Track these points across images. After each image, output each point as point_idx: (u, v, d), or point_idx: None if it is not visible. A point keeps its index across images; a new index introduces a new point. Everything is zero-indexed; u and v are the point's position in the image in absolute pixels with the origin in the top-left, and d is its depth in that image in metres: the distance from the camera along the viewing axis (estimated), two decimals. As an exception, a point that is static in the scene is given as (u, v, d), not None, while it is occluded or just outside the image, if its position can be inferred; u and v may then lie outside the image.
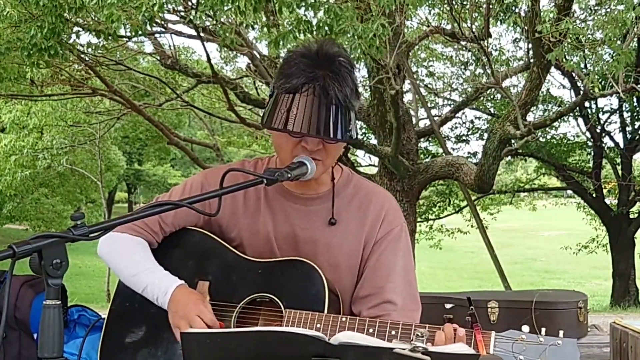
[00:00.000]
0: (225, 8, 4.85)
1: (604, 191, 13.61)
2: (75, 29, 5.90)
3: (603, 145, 13.38)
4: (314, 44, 1.66)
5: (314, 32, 4.82)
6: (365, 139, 10.32)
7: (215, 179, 1.80)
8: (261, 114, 1.79)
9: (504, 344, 1.47)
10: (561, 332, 1.46)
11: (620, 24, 5.36)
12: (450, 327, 1.54)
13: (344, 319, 1.62)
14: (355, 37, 4.57)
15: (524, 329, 1.47)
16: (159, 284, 1.75)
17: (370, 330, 1.58)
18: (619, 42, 6.40)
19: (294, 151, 1.64)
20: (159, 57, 8.85)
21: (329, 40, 1.70)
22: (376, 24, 4.60)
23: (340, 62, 1.61)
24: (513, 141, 7.62)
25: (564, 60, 5.98)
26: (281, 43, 4.80)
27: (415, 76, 11.11)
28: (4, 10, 4.99)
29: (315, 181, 1.75)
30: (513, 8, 6.99)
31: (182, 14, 6.69)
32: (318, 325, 1.61)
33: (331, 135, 1.59)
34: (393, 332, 1.57)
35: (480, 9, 7.49)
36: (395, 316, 1.69)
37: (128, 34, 5.71)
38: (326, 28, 4.63)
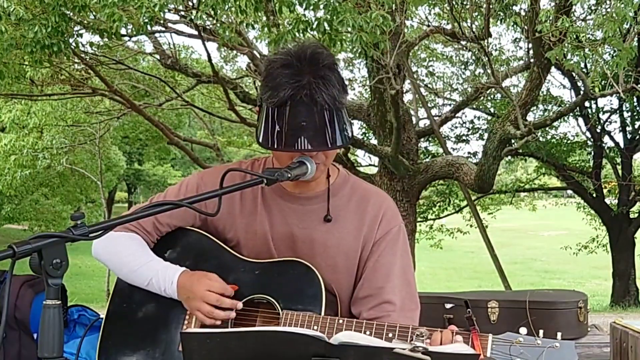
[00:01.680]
0: (226, 7, 4.85)
1: (604, 191, 13.60)
2: (77, 28, 5.91)
3: (603, 145, 13.38)
4: (294, 48, 1.63)
5: (314, 31, 4.81)
6: (365, 139, 10.32)
7: (211, 179, 1.80)
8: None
9: (501, 347, 1.47)
10: (559, 334, 1.45)
11: (620, 19, 5.34)
12: (449, 332, 1.54)
13: (341, 321, 1.61)
14: (356, 28, 4.55)
15: (522, 331, 1.46)
16: (163, 275, 1.76)
17: (367, 332, 1.58)
18: (618, 40, 6.39)
19: (293, 157, 1.63)
20: (159, 57, 8.85)
21: (307, 42, 1.67)
22: (375, 14, 4.59)
23: (324, 64, 1.59)
24: (513, 141, 7.62)
25: (563, 59, 5.97)
26: (281, 43, 4.80)
27: (415, 76, 11.12)
28: (10, 7, 4.99)
29: (315, 180, 1.74)
30: (513, 7, 6.99)
31: (183, 13, 6.69)
32: (315, 327, 1.61)
33: (330, 145, 1.58)
34: (390, 335, 1.57)
35: (481, 8, 7.49)
36: (395, 316, 1.70)
37: (129, 33, 5.71)
38: (325, 24, 4.62)
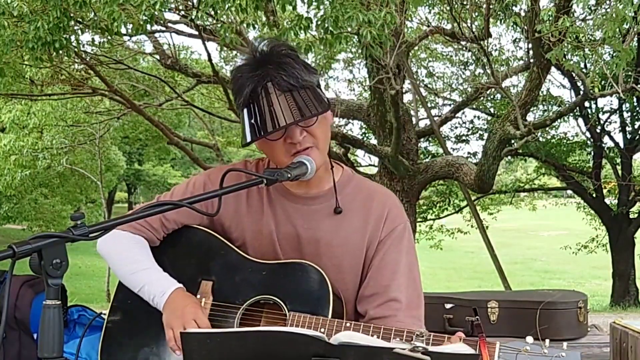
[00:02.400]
0: (227, 6, 4.84)
1: (604, 191, 13.61)
2: (78, 27, 5.91)
3: (603, 145, 13.38)
4: (249, 51, 1.66)
5: (316, 29, 4.80)
6: (365, 139, 10.32)
7: (218, 178, 1.80)
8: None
9: (508, 355, 1.46)
10: (565, 344, 1.46)
11: (620, 20, 5.34)
12: (457, 339, 1.53)
13: (348, 324, 1.61)
14: (365, 23, 4.54)
15: (528, 339, 1.47)
16: (157, 284, 1.75)
17: (375, 336, 1.58)
18: (618, 41, 6.39)
19: (286, 153, 1.64)
20: (159, 57, 8.86)
21: (261, 40, 1.69)
22: (383, 12, 4.59)
23: (279, 52, 1.62)
24: (513, 141, 7.62)
25: (563, 59, 5.98)
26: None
27: (415, 76, 11.12)
28: (13, 2, 4.98)
29: (318, 178, 1.74)
30: (512, 8, 6.98)
31: (183, 13, 6.69)
32: (322, 330, 1.61)
33: (306, 115, 1.58)
34: (397, 339, 1.57)
35: (481, 8, 7.49)
36: (401, 315, 1.69)
37: (129, 32, 5.71)
38: (330, 22, 4.59)
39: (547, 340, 1.46)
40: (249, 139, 1.62)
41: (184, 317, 1.67)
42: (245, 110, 1.61)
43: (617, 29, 5.67)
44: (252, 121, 1.59)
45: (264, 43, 1.65)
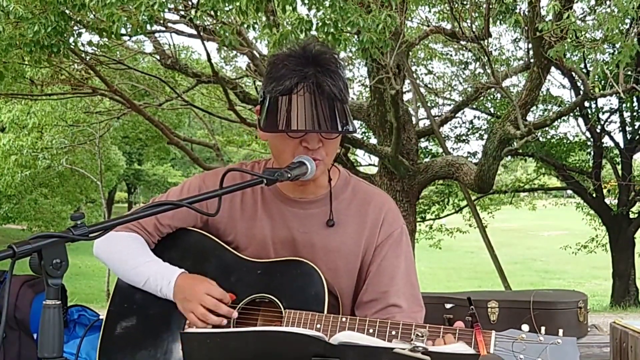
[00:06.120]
0: (227, 8, 4.84)
1: (604, 191, 13.60)
2: (77, 28, 5.90)
3: (603, 145, 13.38)
4: (298, 45, 1.64)
5: (317, 31, 4.80)
6: (365, 139, 10.32)
7: (212, 181, 1.80)
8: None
9: (504, 344, 1.47)
10: (560, 331, 1.46)
11: (622, 14, 5.31)
12: (451, 336, 1.53)
13: (344, 319, 1.61)
14: (365, 28, 4.53)
15: (524, 327, 1.47)
16: (162, 275, 1.75)
17: (371, 331, 1.58)
18: (620, 37, 6.37)
19: (295, 153, 1.63)
20: (158, 57, 8.85)
21: (313, 40, 1.69)
22: (384, 14, 4.58)
23: (328, 58, 1.61)
24: (513, 141, 7.62)
25: (564, 57, 5.96)
26: (284, 43, 4.79)
27: (415, 76, 11.11)
28: (9, 5, 4.98)
29: (314, 183, 1.73)
30: (512, 8, 6.98)
31: (182, 13, 6.69)
32: (318, 326, 1.61)
33: (335, 128, 1.58)
34: (393, 332, 1.56)
35: (481, 8, 7.49)
36: (400, 318, 1.68)
37: (129, 33, 5.71)
38: (330, 25, 4.58)
39: (543, 328, 1.46)
40: (276, 127, 1.59)
41: (196, 296, 1.68)
42: (279, 99, 1.58)
43: (619, 26, 5.64)
44: (285, 112, 1.57)
45: (314, 43, 1.64)
